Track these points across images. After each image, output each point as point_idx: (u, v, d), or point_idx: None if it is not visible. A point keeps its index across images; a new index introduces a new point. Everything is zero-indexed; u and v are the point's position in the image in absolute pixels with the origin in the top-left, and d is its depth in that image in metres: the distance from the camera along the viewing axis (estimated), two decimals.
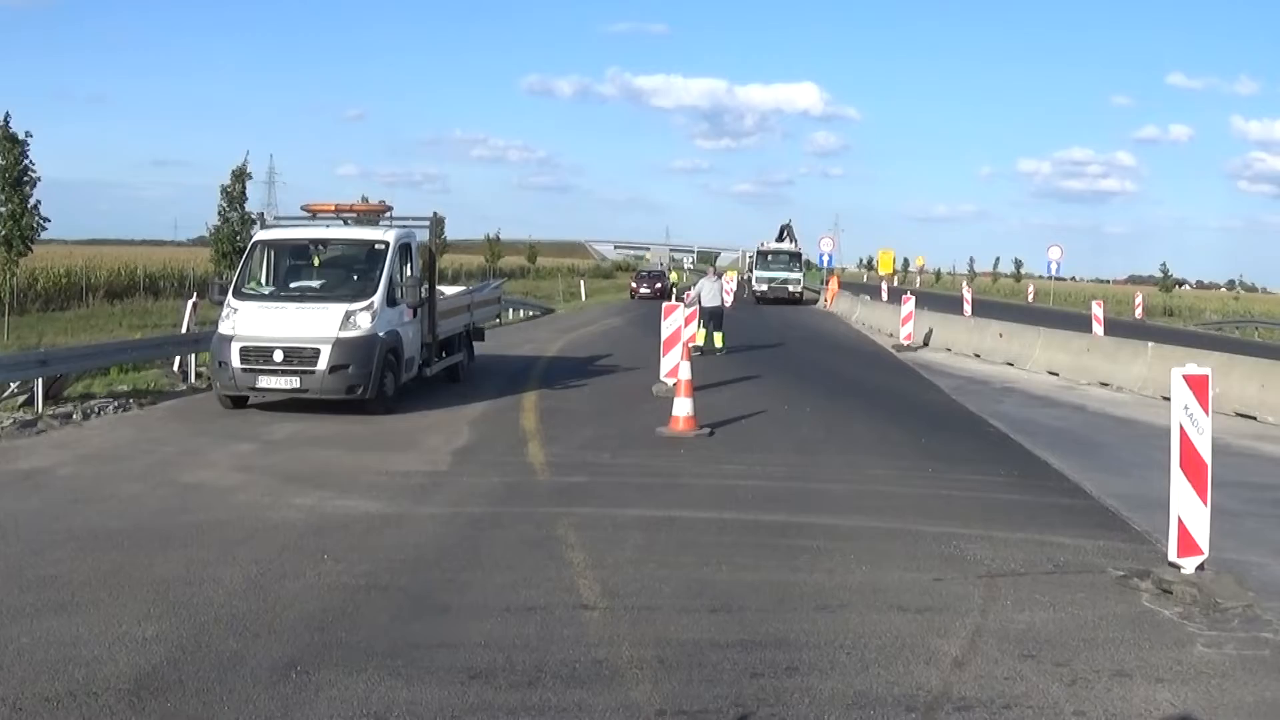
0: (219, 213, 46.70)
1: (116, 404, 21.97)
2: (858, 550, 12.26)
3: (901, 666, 8.80)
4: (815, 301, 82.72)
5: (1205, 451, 11.06)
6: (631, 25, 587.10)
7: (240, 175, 46.52)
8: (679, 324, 25.72)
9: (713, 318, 37.64)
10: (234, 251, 41.88)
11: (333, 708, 7.68)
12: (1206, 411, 11.10)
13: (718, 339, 37.59)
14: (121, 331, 40.12)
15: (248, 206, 46.98)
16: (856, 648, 9.19)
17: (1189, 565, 11.04)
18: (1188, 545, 11.05)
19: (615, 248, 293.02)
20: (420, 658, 8.72)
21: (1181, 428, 11.02)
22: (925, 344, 42.90)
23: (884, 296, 56.01)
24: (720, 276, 44.23)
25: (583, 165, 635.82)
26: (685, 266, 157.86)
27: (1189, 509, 11.03)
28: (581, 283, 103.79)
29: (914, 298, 46.12)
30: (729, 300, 53.98)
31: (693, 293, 38.75)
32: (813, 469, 17.25)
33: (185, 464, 16.35)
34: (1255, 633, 9.87)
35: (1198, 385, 11.09)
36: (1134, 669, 8.91)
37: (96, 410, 21.22)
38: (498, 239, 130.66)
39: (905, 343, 42.66)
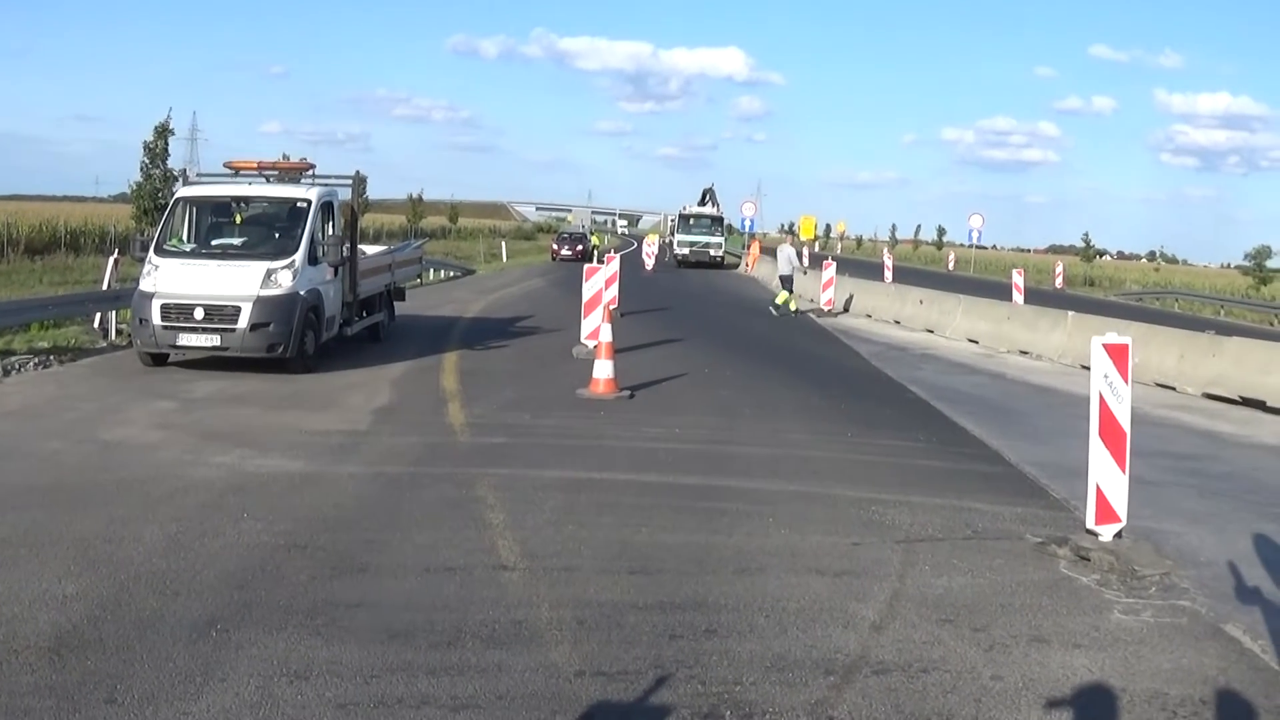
0: (141, 169, 46.12)
1: (36, 361, 21.74)
2: (777, 514, 12.26)
3: (820, 630, 8.82)
4: (737, 266, 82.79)
5: (1124, 420, 11.12)
6: None
7: (163, 131, 45.85)
8: (600, 286, 25.74)
9: (785, 282, 41.23)
10: (155, 208, 41.31)
11: (252, 666, 7.62)
12: (1126, 380, 11.17)
13: (793, 301, 41.04)
14: (42, 288, 39.75)
15: (170, 163, 46.46)
16: (775, 611, 9.20)
17: (1107, 533, 11.13)
18: (1106, 513, 11.13)
19: (537, 209, 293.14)
20: (340, 617, 8.67)
21: (1101, 396, 11.09)
22: (846, 310, 43.06)
23: (805, 262, 56.06)
24: (790, 243, 46.47)
25: (506, 126, 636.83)
26: (620, 230, 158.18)
27: (1107, 477, 11.10)
28: (503, 244, 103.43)
29: (834, 264, 46.30)
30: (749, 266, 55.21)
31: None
32: (733, 432, 17.25)
33: (106, 421, 16.16)
34: (1172, 600, 9.94)
35: (1118, 354, 11.15)
36: (1051, 635, 8.97)
37: (16, 367, 20.98)
38: (420, 199, 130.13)
39: (826, 308, 42.88)
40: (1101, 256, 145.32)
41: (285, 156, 25.62)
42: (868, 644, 8.57)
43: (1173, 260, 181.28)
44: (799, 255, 43.58)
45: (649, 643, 8.36)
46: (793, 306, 41.53)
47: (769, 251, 71.92)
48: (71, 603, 8.72)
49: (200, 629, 8.26)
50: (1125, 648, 8.75)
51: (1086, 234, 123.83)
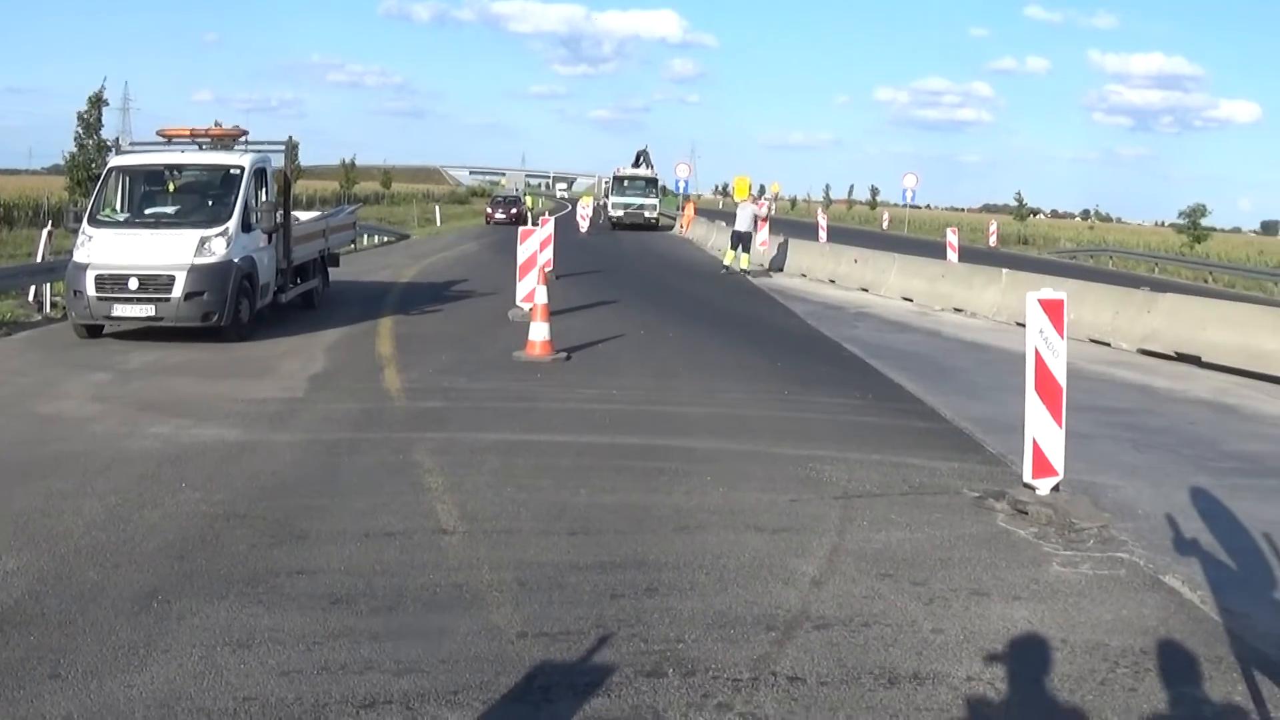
0: (75, 139, 45.96)
1: None
2: (715, 472, 12.28)
3: (760, 586, 8.84)
4: (671, 228, 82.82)
5: (1060, 374, 11.16)
6: None
7: (97, 102, 45.74)
8: (534, 249, 25.71)
9: (740, 240, 42.14)
10: (89, 179, 41.12)
11: (194, 636, 7.57)
12: (1062, 335, 11.21)
13: (744, 260, 41.62)
14: None
15: (104, 133, 46.22)
16: (715, 568, 9.22)
17: (1044, 487, 11.17)
18: (1043, 467, 11.17)
19: (471, 173, 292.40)
20: (281, 584, 8.63)
21: (1037, 351, 11.11)
22: (781, 270, 43.10)
23: (743, 220, 56.04)
24: (755, 203, 47.11)
25: (440, 90, 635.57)
26: (559, 194, 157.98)
27: (1044, 431, 11.14)
28: (437, 208, 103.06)
29: (768, 223, 46.38)
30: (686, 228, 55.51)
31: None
32: (670, 393, 17.27)
33: (42, 395, 16.04)
34: (1110, 553, 10.01)
35: (1053, 309, 11.19)
36: (991, 588, 9.01)
37: None
38: (353, 165, 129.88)
39: (760, 268, 42.88)
40: (1035, 215, 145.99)
41: (218, 124, 25.42)
42: (808, 599, 8.59)
43: (1107, 219, 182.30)
44: (755, 220, 43.54)
45: (590, 602, 8.36)
46: (744, 265, 41.98)
47: (703, 213, 71.91)
48: (12, 578, 8.64)
49: (142, 600, 8.20)
50: (1065, 600, 8.81)
51: (1020, 193, 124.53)
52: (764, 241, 44.43)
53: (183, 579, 8.71)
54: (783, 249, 44.81)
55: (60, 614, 7.96)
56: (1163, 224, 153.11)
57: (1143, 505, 11.74)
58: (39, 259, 26.27)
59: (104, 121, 45.80)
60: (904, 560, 9.59)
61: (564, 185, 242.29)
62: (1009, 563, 9.68)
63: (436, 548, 9.65)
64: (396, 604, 8.30)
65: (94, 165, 43.10)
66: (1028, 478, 11.29)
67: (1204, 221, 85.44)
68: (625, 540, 9.91)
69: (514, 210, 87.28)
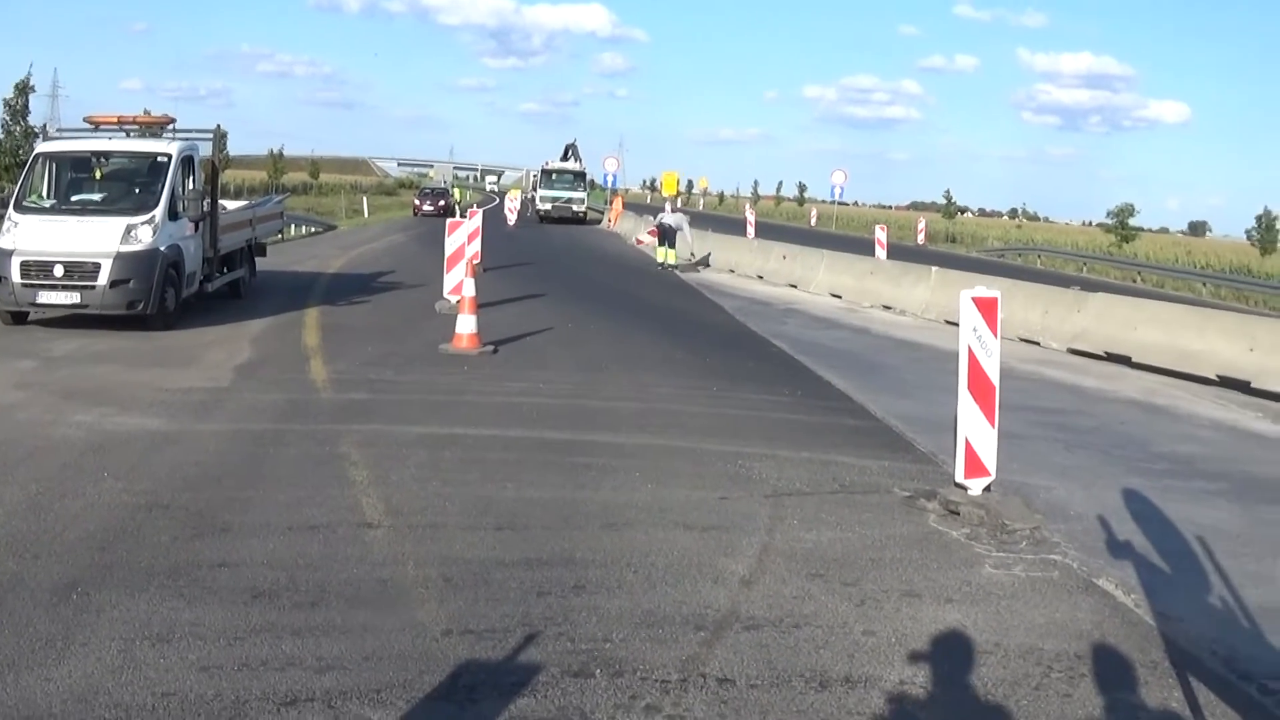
0: (2, 127, 45.65)
1: None
2: (643, 468, 12.18)
3: (689, 585, 8.72)
4: (599, 222, 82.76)
5: (993, 373, 11.10)
6: None
7: (24, 88, 45.49)
8: (462, 241, 25.60)
9: (667, 236, 42.86)
10: (16, 165, 40.87)
11: (114, 629, 7.41)
12: (995, 334, 11.15)
13: (671, 255, 41.94)
14: None
15: (32, 120, 45.94)
16: (644, 566, 9.10)
17: (976, 487, 11.11)
18: (975, 467, 11.11)
19: (399, 165, 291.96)
20: (202, 577, 8.46)
21: (970, 349, 11.04)
22: (709, 265, 43.08)
23: (669, 212, 56.07)
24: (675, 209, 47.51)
25: (369, 82, 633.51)
26: (489, 187, 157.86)
27: (976, 431, 11.07)
28: (365, 199, 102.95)
29: (688, 216, 46.51)
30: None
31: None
32: (598, 387, 17.17)
33: None
34: (1043, 555, 9.94)
35: (987, 308, 11.12)
36: (923, 589, 8.92)
37: None
38: (281, 155, 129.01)
39: (688, 261, 42.92)
40: (964, 214, 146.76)
41: (148, 112, 25.19)
42: (738, 599, 8.48)
43: (1035, 218, 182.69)
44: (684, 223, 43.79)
45: (517, 600, 8.22)
46: (671, 260, 42.16)
47: (631, 207, 71.93)
48: None
49: (61, 592, 8.04)
50: (998, 602, 8.73)
51: (948, 191, 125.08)
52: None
53: (103, 570, 8.54)
54: (710, 245, 44.79)
55: None
56: (1091, 224, 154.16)
57: (1075, 506, 11.73)
58: None
59: (31, 108, 45.55)
60: (835, 560, 9.50)
61: (494, 178, 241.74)
62: (941, 564, 9.60)
63: (361, 542, 9.49)
64: (320, 599, 8.13)
65: (21, 152, 42.85)
66: (960, 477, 11.23)
67: (1132, 221, 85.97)
68: (552, 537, 9.78)
69: (442, 202, 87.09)
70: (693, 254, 43.23)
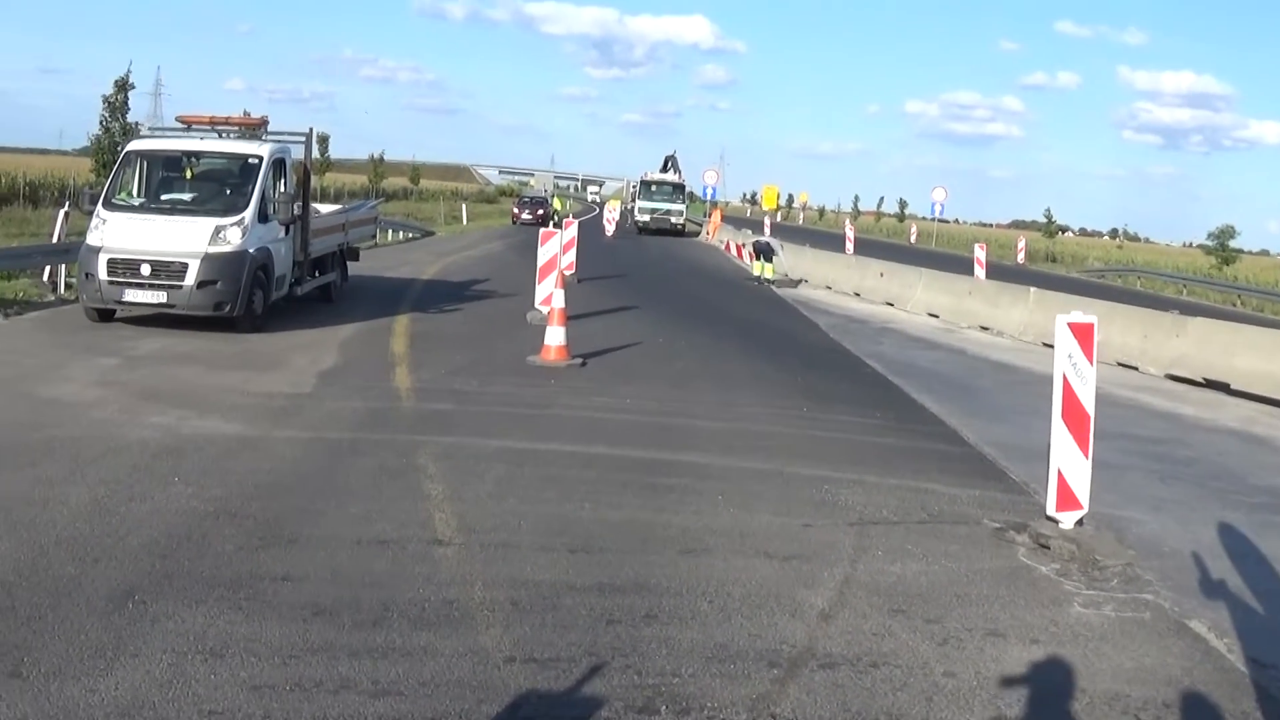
0: (101, 123, 45.92)
1: None
2: (726, 491, 11.91)
3: (765, 618, 8.45)
4: (697, 234, 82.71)
5: (1088, 402, 10.80)
6: None
7: (123, 85, 45.66)
8: (555, 251, 25.42)
9: (763, 251, 42.22)
10: (115, 162, 41.11)
11: (167, 641, 7.27)
12: (1091, 361, 10.85)
13: (768, 270, 42.37)
14: None
15: (133, 117, 46.16)
16: (719, 596, 8.83)
17: (1068, 520, 10.81)
18: (1067, 499, 10.81)
19: (500, 173, 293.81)
20: (263, 590, 8.30)
21: (1065, 376, 10.75)
22: (806, 281, 42.84)
23: (767, 232, 56.15)
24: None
25: (471, 89, 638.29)
26: (591, 197, 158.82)
27: (1070, 461, 10.77)
28: (464, 206, 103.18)
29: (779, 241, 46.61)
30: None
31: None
32: (685, 405, 16.92)
33: (45, 377, 15.85)
34: (1134, 593, 9.61)
35: (1083, 333, 10.81)
36: (1008, 628, 8.62)
37: None
38: (381, 159, 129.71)
39: (784, 276, 42.75)
40: (1064, 233, 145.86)
41: (247, 113, 25.31)
42: (815, 635, 8.20)
43: (1135, 238, 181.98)
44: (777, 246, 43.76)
45: (585, 627, 7.99)
46: (768, 275, 41.95)
47: (730, 220, 71.93)
48: None
49: (117, 599, 7.91)
50: (1085, 644, 8.41)
51: (1049, 210, 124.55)
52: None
53: (162, 579, 8.41)
54: (810, 260, 44.63)
55: (30, 608, 7.70)
56: (1191, 245, 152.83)
57: (1169, 542, 11.38)
58: (55, 239, 26.22)
59: (130, 105, 45.70)
60: (918, 595, 9.20)
61: (595, 188, 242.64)
62: (1028, 601, 9.29)
63: (430, 560, 9.30)
64: (381, 619, 7.94)
65: (119, 149, 42.97)
66: (1051, 510, 10.93)
67: (1232, 243, 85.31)
68: (627, 561, 9.55)
69: (540, 211, 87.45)
70: (787, 272, 43.01)
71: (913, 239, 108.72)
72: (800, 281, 43.13)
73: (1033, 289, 30.90)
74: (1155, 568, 10.36)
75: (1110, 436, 14.65)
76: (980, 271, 46.70)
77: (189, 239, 20.26)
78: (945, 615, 8.79)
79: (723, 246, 60.05)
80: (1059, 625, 8.78)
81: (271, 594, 8.26)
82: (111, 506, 10.05)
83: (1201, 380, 22.57)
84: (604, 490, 11.69)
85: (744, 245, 46.18)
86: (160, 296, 20.13)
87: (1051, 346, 11.16)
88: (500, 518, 10.51)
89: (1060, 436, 10.77)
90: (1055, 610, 9.12)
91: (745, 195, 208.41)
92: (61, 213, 27.42)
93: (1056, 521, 10.84)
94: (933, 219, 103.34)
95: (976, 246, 53.52)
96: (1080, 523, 10.88)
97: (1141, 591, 9.67)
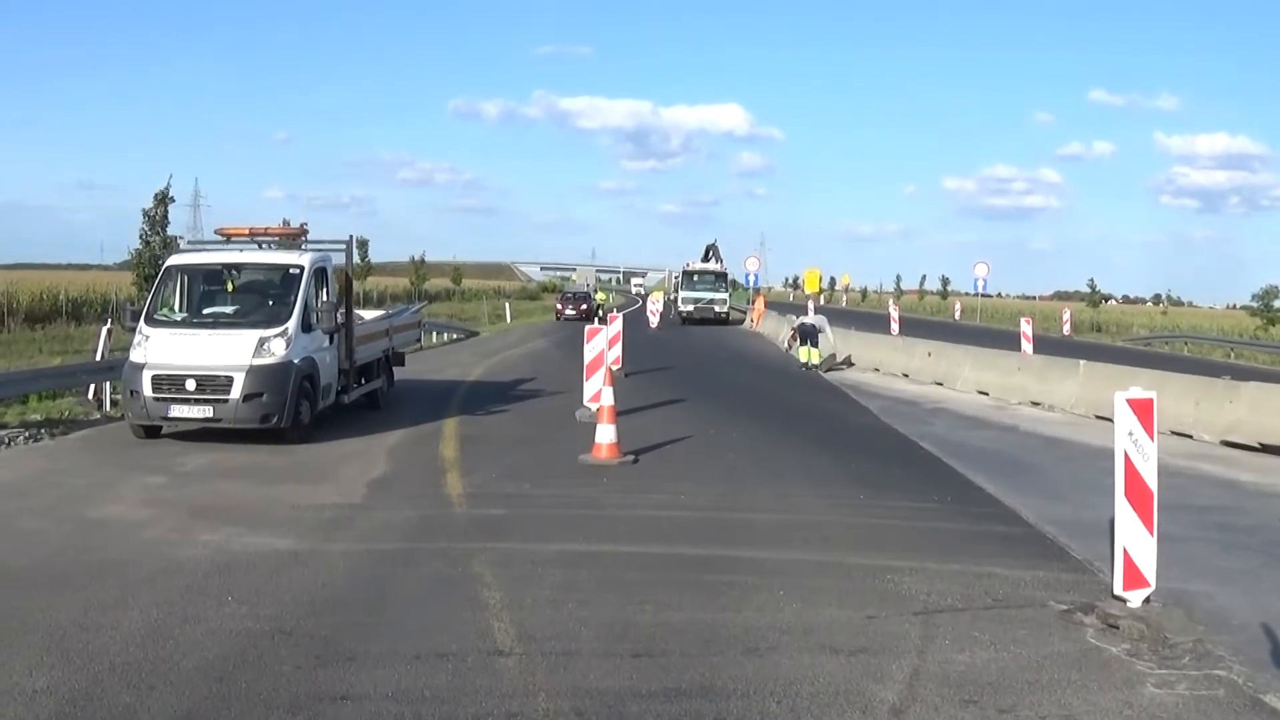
0: (141, 236, 46.12)
1: (28, 434, 21.57)
2: (787, 586, 11.77)
3: (835, 716, 8.30)
4: (741, 322, 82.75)
5: (1151, 478, 10.66)
6: (556, 48, 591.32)
7: (163, 198, 45.81)
8: (602, 347, 25.34)
9: (808, 335, 42.25)
10: (156, 275, 41.26)
11: None
12: (1152, 436, 10.72)
13: (815, 355, 41.99)
14: (41, 358, 39.80)
15: (173, 230, 46.31)
16: (787, 695, 8.67)
17: (1136, 598, 10.64)
18: (1134, 577, 10.64)
19: (541, 269, 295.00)
20: (323, 711, 8.19)
21: (1126, 454, 10.60)
22: (850, 364, 42.75)
23: (810, 314, 56.22)
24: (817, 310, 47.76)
25: (509, 187, 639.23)
26: (635, 290, 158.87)
27: (1135, 539, 10.62)
28: (507, 304, 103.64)
29: (825, 317, 46.53)
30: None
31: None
32: (739, 498, 16.81)
33: (93, 498, 15.83)
34: (1208, 670, 9.44)
35: (1142, 409, 10.68)
36: (1082, 714, 8.46)
37: (6, 441, 20.76)
38: (423, 261, 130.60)
39: (833, 359, 42.62)
40: (1107, 301, 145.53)
41: (286, 221, 25.22)
42: None
43: (1178, 303, 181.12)
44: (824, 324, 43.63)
45: None
46: (814, 360, 41.74)
47: (774, 306, 71.90)
48: (39, 698, 8.29)
49: None
50: None
51: (1092, 279, 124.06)
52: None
53: (220, 703, 8.31)
54: (856, 343, 44.58)
55: None
56: (1234, 306, 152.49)
57: (1237, 615, 11.22)
58: (98, 357, 26.32)
59: (170, 218, 45.87)
60: (989, 684, 9.03)
61: (639, 279, 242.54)
62: (1101, 684, 9.11)
63: (491, 671, 9.16)
64: None
65: (159, 262, 43.14)
66: (1118, 589, 10.75)
67: (1277, 303, 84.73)
68: (692, 664, 9.40)
69: (584, 306, 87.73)
70: (834, 353, 42.86)
71: (957, 315, 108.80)
72: (848, 360, 43.04)
73: (1082, 362, 30.81)
74: (1226, 642, 10.19)
75: (1169, 508, 14.41)
76: (1027, 346, 46.64)
77: (233, 352, 20.31)
78: (1018, 704, 8.62)
79: (767, 334, 60.05)
80: (1133, 707, 8.61)
81: (332, 714, 8.17)
82: (165, 629, 9.97)
83: (1257, 445, 22.41)
84: (663, 591, 11.56)
85: (790, 333, 46.25)
86: (206, 411, 20.15)
87: (1104, 419, 11.08)
88: (560, 624, 10.38)
89: (1124, 515, 10.61)
90: (1129, 692, 8.95)
91: (787, 280, 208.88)
92: (104, 329, 27.58)
93: (1124, 600, 10.67)
94: (976, 294, 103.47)
95: (1022, 320, 53.48)
96: (1148, 600, 10.71)
97: (1214, 668, 9.50)
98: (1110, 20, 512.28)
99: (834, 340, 43.57)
